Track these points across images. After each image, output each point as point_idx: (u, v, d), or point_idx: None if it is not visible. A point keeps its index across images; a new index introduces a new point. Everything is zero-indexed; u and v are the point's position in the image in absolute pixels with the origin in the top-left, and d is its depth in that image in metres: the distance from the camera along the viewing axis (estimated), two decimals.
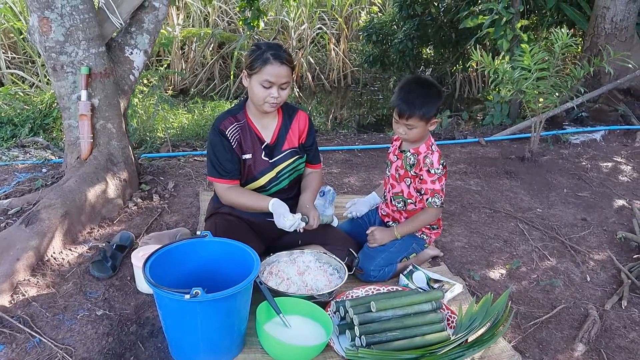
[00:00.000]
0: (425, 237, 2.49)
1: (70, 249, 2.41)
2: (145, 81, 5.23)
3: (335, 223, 2.70)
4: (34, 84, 6.33)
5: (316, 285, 2.18)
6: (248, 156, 2.28)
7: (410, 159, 2.38)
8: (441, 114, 5.81)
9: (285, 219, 2.12)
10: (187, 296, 1.54)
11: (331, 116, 7.79)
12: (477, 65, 4.40)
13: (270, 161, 2.33)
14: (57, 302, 2.06)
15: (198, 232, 1.95)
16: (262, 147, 2.31)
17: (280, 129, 2.35)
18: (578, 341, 2.16)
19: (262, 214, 2.27)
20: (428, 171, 2.31)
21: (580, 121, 5.20)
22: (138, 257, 2.12)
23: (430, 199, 2.33)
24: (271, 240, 2.43)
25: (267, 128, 2.33)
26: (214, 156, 2.22)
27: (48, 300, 2.06)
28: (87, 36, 2.69)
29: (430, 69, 8.41)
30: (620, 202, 3.56)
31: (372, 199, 2.72)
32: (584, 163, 4.21)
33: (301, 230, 2.19)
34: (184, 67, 7.89)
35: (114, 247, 2.33)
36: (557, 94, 3.79)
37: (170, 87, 7.65)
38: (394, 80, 8.63)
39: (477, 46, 6.77)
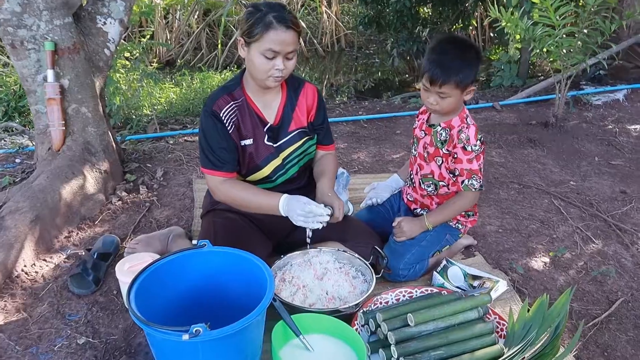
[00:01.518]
0: (460, 226, 2.15)
1: (44, 260, 2.04)
2: (128, 54, 4.77)
3: (350, 211, 2.35)
4: (7, 63, 5.82)
5: (338, 292, 1.84)
6: (248, 142, 1.90)
7: (441, 134, 2.01)
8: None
9: (307, 215, 1.75)
10: (186, 336, 1.19)
11: (326, 83, 7.35)
12: (486, 25, 3.98)
13: (275, 146, 1.95)
14: (29, 331, 1.70)
15: (194, 242, 1.58)
16: (265, 129, 1.92)
17: (285, 106, 1.96)
18: None
19: None
20: (464, 148, 1.94)
21: (598, 80, 4.82)
22: (123, 271, 1.76)
23: (466, 181, 1.97)
24: (280, 237, 2.08)
25: (269, 106, 1.94)
26: (206, 144, 1.83)
27: (18, 329, 1.70)
28: (49, 5, 2.25)
29: (428, 29, 7.95)
30: None
31: (394, 183, 2.36)
32: (610, 126, 3.86)
33: (324, 225, 1.82)
34: (168, 38, 7.37)
35: (96, 256, 1.96)
36: (586, 52, 3.40)
37: (155, 60, 7.14)
38: (391, 42, 8.14)
39: (478, 3, 6.32)
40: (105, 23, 2.55)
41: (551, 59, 3.46)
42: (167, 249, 2.06)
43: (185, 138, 3.44)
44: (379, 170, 3.13)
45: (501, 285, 1.99)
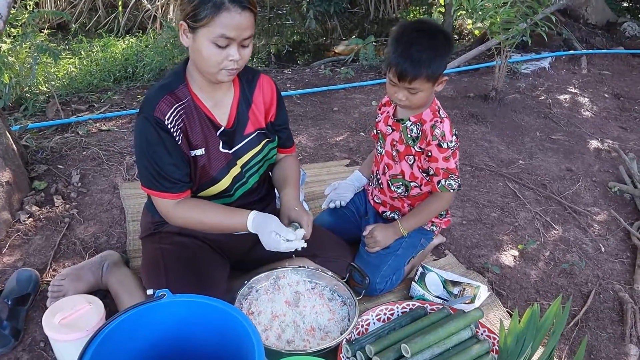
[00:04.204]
0: (434, 228, 1.98)
1: None
2: (12, 20, 4.03)
3: None
4: None
5: (317, 321, 1.61)
6: (200, 152, 1.56)
7: (412, 130, 1.80)
8: (365, 41, 5.17)
9: (282, 240, 1.48)
10: None
11: None
12: None
13: (231, 152, 1.62)
14: None
15: (149, 292, 1.26)
16: (218, 134, 1.59)
17: (239, 104, 1.62)
18: (628, 342, 1.82)
19: None
20: (439, 145, 1.74)
21: (522, 47, 4.85)
22: (54, 326, 1.39)
23: (443, 182, 1.78)
24: (239, 254, 1.79)
25: (220, 105, 1.60)
26: (150, 161, 1.47)
27: None
28: None
29: None
30: (595, 143, 3.28)
31: (357, 181, 2.12)
32: (542, 97, 3.89)
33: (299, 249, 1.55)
34: None
35: (10, 302, 1.56)
36: (525, 22, 3.32)
37: (46, 24, 6.23)
38: (307, 2, 7.77)
39: None
40: None
41: (491, 31, 3.34)
42: (103, 281, 1.70)
43: (98, 126, 2.95)
44: (324, 156, 2.88)
45: (482, 291, 1.86)
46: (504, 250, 2.21)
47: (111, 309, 1.61)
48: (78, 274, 1.67)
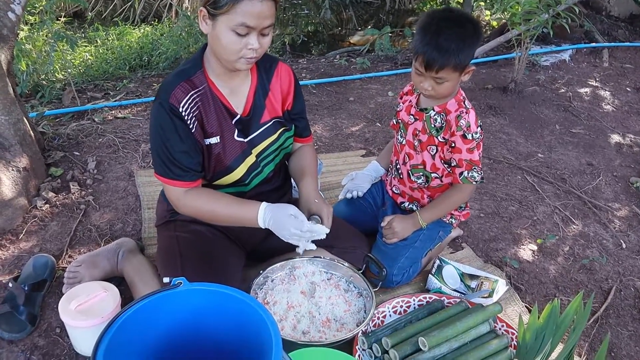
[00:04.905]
0: (453, 220, 1.94)
1: None
2: (29, 8, 4.04)
3: None
4: None
5: (333, 312, 1.59)
6: (215, 140, 1.53)
7: (435, 120, 1.76)
8: (381, 31, 5.09)
9: (304, 235, 1.47)
10: None
11: None
12: None
13: (246, 141, 1.60)
14: None
15: (166, 279, 1.25)
16: (234, 122, 1.56)
17: (256, 92, 1.60)
18: None
19: None
20: (463, 136, 1.71)
21: (542, 39, 4.76)
22: (70, 312, 1.39)
23: (466, 173, 1.75)
24: (254, 244, 1.78)
25: (236, 93, 1.57)
26: (163, 148, 1.45)
27: None
28: None
29: None
30: (616, 137, 3.21)
31: (374, 171, 2.09)
32: (562, 90, 3.81)
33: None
34: None
35: (27, 287, 1.56)
36: (547, 13, 3.25)
37: (63, 12, 6.25)
38: None
39: None
40: None
41: (511, 21, 3.27)
42: (118, 268, 1.69)
43: (114, 113, 2.95)
44: (340, 146, 2.85)
45: (501, 285, 1.82)
46: (522, 245, 2.17)
47: (126, 297, 1.61)
48: (94, 260, 1.67)
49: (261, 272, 1.67)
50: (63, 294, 1.48)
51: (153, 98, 3.27)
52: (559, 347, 1.62)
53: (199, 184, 1.54)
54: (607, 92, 3.87)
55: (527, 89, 3.65)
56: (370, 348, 1.53)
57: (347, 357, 1.40)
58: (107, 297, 1.45)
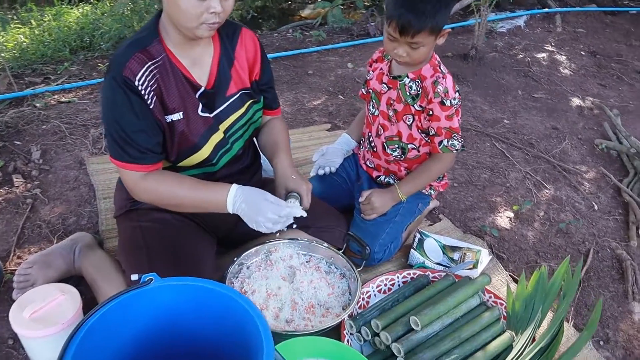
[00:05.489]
0: (432, 191, 1.87)
1: None
2: None
3: None
4: None
5: (317, 297, 1.49)
6: (177, 116, 1.38)
7: (410, 87, 1.67)
8: (332, 3, 4.96)
9: (279, 219, 1.35)
10: None
11: None
12: None
13: (212, 116, 1.45)
14: None
15: (134, 277, 1.11)
16: (198, 96, 1.41)
17: (220, 62, 1.45)
18: (631, 300, 1.78)
19: None
20: (442, 103, 1.62)
21: (497, 5, 4.74)
22: (24, 322, 1.23)
23: (446, 142, 1.67)
24: (225, 230, 1.64)
25: (199, 63, 1.42)
26: (117, 127, 1.29)
27: None
28: None
29: None
30: (576, 100, 3.23)
31: (346, 144, 1.98)
32: (521, 56, 3.80)
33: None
34: None
35: None
36: None
37: None
38: None
39: None
40: None
41: None
42: (75, 267, 1.53)
43: (57, 98, 2.70)
44: (304, 121, 2.73)
45: (484, 256, 1.78)
46: (499, 212, 2.13)
47: (87, 298, 1.45)
48: (47, 260, 1.49)
49: (235, 259, 1.54)
50: (14, 301, 1.31)
51: (100, 80, 3.05)
52: (549, 316, 1.59)
53: (159, 168, 1.38)
54: (563, 56, 3.90)
55: (487, 55, 3.62)
56: (359, 332, 1.44)
57: (336, 344, 1.31)
58: (65, 301, 1.29)
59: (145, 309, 1.11)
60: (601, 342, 1.62)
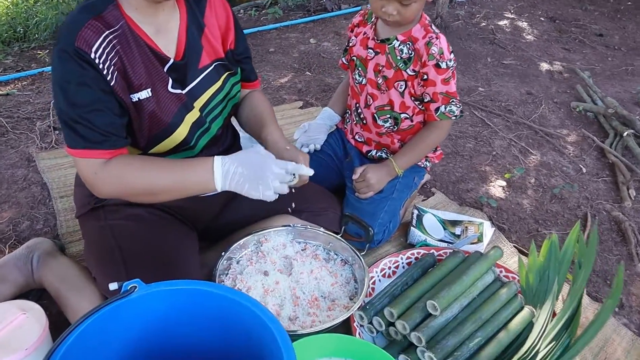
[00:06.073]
0: (428, 163, 1.74)
1: None
2: None
3: None
4: None
5: (320, 288, 1.33)
6: (145, 94, 1.16)
7: (401, 50, 1.52)
8: None
9: (286, 175, 1.16)
10: None
11: None
12: None
13: (184, 92, 1.25)
14: None
15: (112, 286, 0.92)
16: (166, 69, 1.20)
17: (188, 29, 1.24)
18: (637, 262, 1.71)
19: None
20: (437, 66, 1.48)
21: None
22: None
23: (443, 108, 1.53)
24: (206, 221, 1.45)
25: (164, 31, 1.20)
26: (69, 108, 1.06)
27: None
28: None
29: None
30: (545, 65, 3.18)
31: (329, 119, 1.81)
32: (484, 24, 3.73)
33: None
34: None
35: None
36: None
37: None
38: None
39: None
40: None
41: None
42: (35, 278, 1.30)
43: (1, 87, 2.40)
44: (273, 100, 2.54)
45: (487, 228, 1.66)
46: (491, 182, 2.03)
47: (53, 313, 1.23)
48: (1, 273, 1.26)
49: (223, 254, 1.36)
50: None
51: (39, 70, 2.75)
52: (565, 288, 1.49)
53: (124, 153, 1.16)
54: (524, 23, 3.86)
55: (452, 24, 3.52)
56: (371, 322, 1.29)
57: (350, 340, 1.16)
58: (28, 321, 1.07)
59: (131, 323, 0.92)
60: (616, 309, 1.54)
